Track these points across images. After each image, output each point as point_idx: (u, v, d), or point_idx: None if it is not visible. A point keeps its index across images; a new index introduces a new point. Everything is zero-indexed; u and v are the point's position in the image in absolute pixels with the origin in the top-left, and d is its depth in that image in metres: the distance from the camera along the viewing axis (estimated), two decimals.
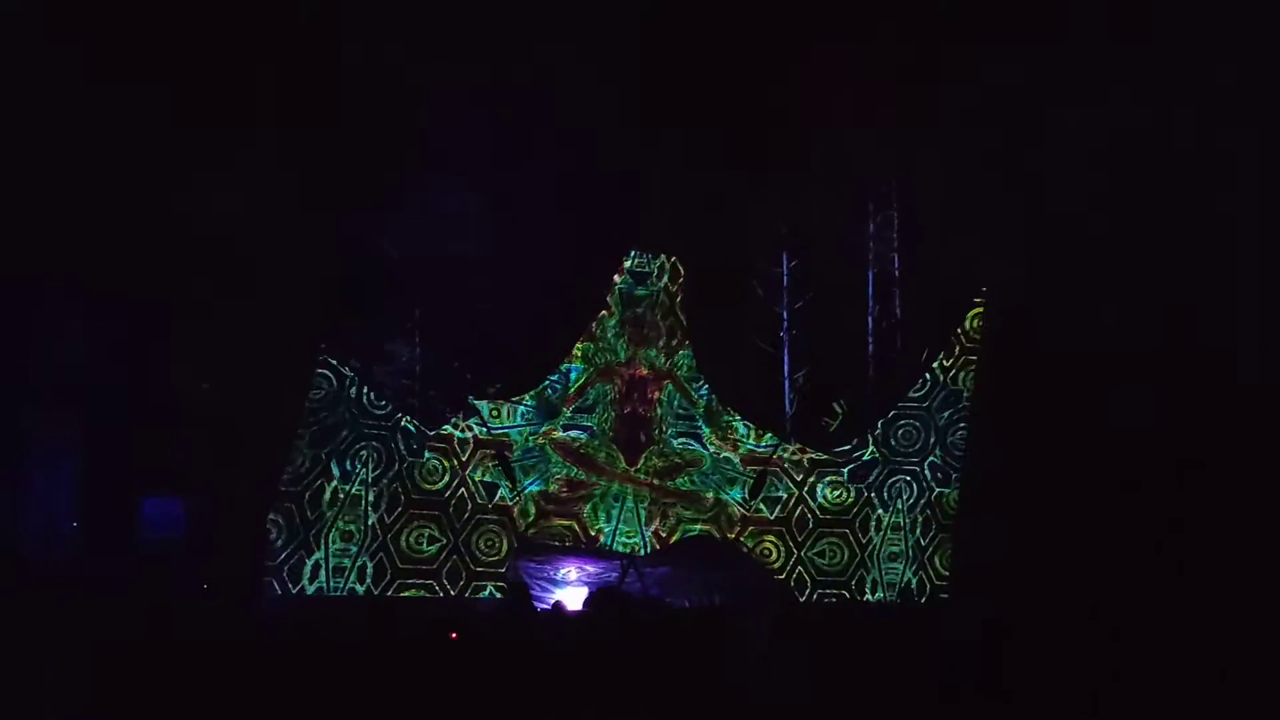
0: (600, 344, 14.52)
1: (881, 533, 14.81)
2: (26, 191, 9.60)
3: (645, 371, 14.68)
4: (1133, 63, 11.64)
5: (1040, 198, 12.92)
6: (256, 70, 10.79)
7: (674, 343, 14.61)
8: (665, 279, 14.70)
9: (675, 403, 14.74)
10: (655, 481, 14.45)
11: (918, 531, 14.82)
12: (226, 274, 11.61)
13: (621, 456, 14.51)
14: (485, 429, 13.94)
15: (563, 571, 13.54)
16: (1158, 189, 12.00)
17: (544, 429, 14.26)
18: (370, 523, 13.48)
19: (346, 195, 11.94)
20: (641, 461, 14.55)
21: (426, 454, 13.74)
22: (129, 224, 10.49)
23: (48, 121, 9.74)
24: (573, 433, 14.47)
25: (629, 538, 14.20)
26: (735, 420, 14.72)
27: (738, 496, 14.59)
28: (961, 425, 14.82)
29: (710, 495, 14.53)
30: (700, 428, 14.68)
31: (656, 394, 14.69)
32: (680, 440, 14.68)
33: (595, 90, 12.32)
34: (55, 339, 10.61)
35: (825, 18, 12.22)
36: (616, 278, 14.47)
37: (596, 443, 14.50)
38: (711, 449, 14.65)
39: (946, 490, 14.82)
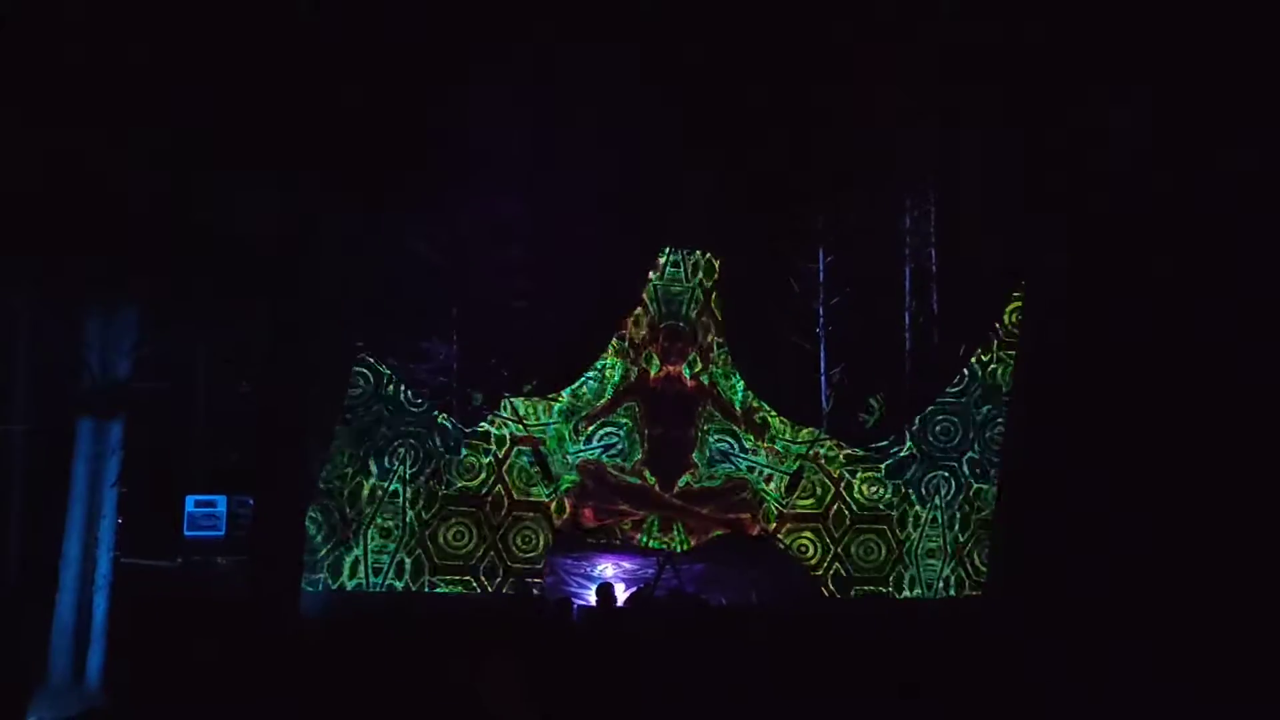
0: (631, 355, 14.55)
1: (919, 529, 14.74)
2: (64, 195, 9.75)
3: (683, 386, 14.68)
4: (1173, 52, 11.45)
5: (1079, 190, 12.75)
6: (292, 65, 10.86)
7: (708, 344, 14.62)
8: (700, 275, 14.73)
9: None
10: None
11: (956, 528, 14.73)
12: (265, 275, 11.72)
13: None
14: (522, 426, 14.04)
15: (599, 568, 13.59)
16: (1197, 181, 11.80)
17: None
18: (408, 519, 13.63)
19: (385, 195, 12.02)
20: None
21: (463, 451, 13.87)
22: (167, 226, 10.60)
23: (82, 117, 9.87)
24: (599, 452, 14.53)
25: (665, 536, 14.27)
26: (772, 416, 14.70)
27: (774, 494, 14.59)
28: (1000, 421, 14.72)
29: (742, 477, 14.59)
30: (739, 446, 14.69)
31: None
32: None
33: (633, 89, 12.33)
34: (96, 341, 10.75)
35: (864, 15, 12.14)
36: (652, 274, 14.52)
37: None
38: (749, 448, 14.65)
39: (985, 486, 14.72)
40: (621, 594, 11.82)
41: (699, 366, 14.64)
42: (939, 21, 11.76)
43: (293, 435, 12.30)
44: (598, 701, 8.12)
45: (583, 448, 14.32)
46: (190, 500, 13.18)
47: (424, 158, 12.03)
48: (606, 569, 13.49)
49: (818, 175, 13.19)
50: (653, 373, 14.57)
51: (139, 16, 10.55)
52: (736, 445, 14.67)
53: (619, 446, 14.43)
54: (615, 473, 14.46)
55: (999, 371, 14.89)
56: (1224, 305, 11.54)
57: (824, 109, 12.66)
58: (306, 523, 12.98)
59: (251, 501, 12.03)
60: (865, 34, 12.02)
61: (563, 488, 14.13)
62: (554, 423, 14.32)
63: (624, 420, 14.53)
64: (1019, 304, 14.76)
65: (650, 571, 13.32)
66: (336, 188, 11.68)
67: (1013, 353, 14.80)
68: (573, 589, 13.28)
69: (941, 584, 14.61)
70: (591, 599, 12.24)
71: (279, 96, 11.26)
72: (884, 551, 14.66)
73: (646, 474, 14.49)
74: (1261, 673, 9.23)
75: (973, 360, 14.75)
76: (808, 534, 14.63)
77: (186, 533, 12.96)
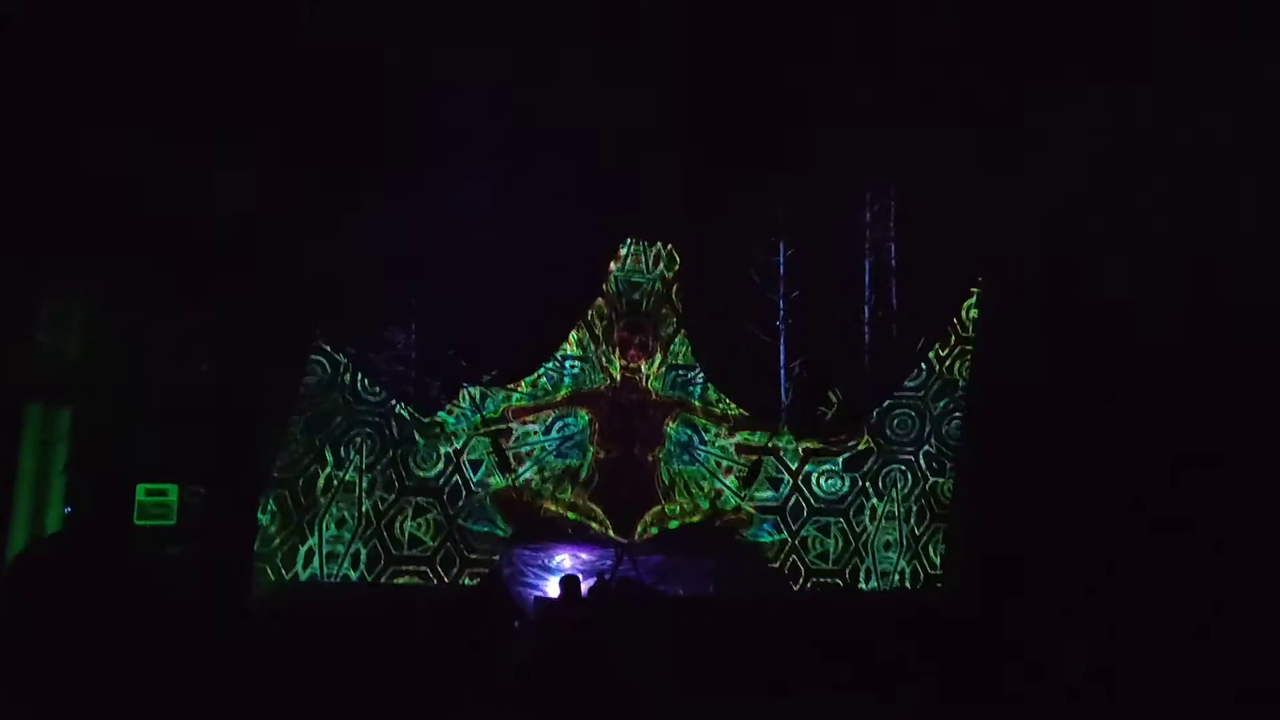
0: (591, 347, 14.42)
1: (876, 522, 14.84)
2: (16, 179, 9.54)
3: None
4: (1135, 55, 11.57)
5: (1038, 188, 12.86)
6: (245, 57, 10.69)
7: (669, 337, 14.58)
8: (661, 266, 14.70)
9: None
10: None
11: (912, 521, 14.85)
12: (219, 261, 11.54)
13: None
14: (480, 416, 13.93)
15: (557, 559, 13.53)
16: (1158, 181, 11.95)
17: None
18: (364, 509, 13.49)
19: (341, 182, 11.86)
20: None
21: (420, 441, 13.75)
22: (119, 212, 10.41)
23: (32, 108, 9.67)
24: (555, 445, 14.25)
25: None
26: (730, 409, 14.70)
27: (732, 485, 14.61)
28: (957, 415, 14.85)
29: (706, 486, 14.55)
30: (699, 439, 14.58)
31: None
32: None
33: (593, 80, 12.22)
34: (46, 327, 10.55)
35: (826, 10, 12.13)
36: (613, 265, 14.47)
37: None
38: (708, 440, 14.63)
39: (941, 480, 14.86)
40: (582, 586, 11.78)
41: (659, 363, 14.58)
42: (903, 17, 11.77)
43: (247, 424, 12.14)
44: (561, 693, 8.10)
45: (542, 439, 14.22)
46: (141, 489, 12.93)
47: (384, 145, 11.90)
48: (564, 560, 13.44)
49: (779, 168, 13.14)
50: (613, 371, 14.46)
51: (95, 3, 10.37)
52: (696, 437, 14.65)
53: (576, 439, 14.30)
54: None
55: (956, 366, 15.02)
56: (1180, 304, 11.71)
57: (787, 102, 12.62)
58: (260, 513, 12.83)
59: (203, 491, 11.83)
60: (831, 27, 11.99)
61: (520, 479, 14.04)
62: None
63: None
64: (976, 299, 14.90)
65: (608, 563, 13.30)
66: (295, 173, 11.53)
67: (970, 348, 14.93)
68: (530, 580, 13.23)
69: (898, 576, 14.74)
70: (554, 590, 12.22)
71: (237, 82, 11.10)
72: (841, 544, 14.74)
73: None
74: (1218, 666, 9.38)
75: (930, 355, 14.86)
76: (765, 526, 14.67)
77: (136, 522, 12.70)
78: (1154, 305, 11.96)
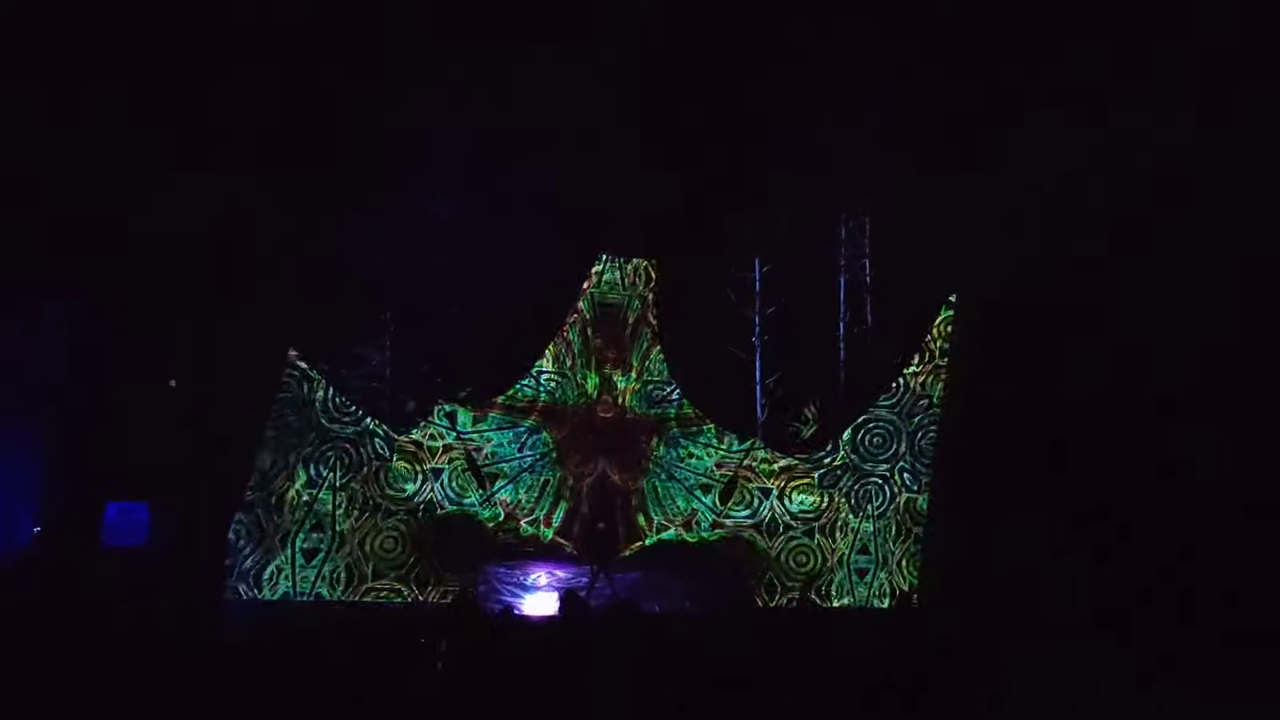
0: (568, 362, 14.38)
1: (852, 537, 14.85)
2: None
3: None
4: (1107, 68, 11.70)
5: (1012, 204, 12.96)
6: (223, 63, 10.65)
7: (645, 352, 14.58)
8: (638, 282, 14.71)
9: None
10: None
11: (888, 537, 14.87)
12: (193, 276, 11.46)
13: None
14: (455, 433, 13.87)
15: (533, 576, 13.47)
16: (1131, 196, 12.06)
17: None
18: (338, 527, 13.38)
19: (315, 198, 11.82)
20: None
21: (395, 458, 13.67)
22: (91, 224, 10.33)
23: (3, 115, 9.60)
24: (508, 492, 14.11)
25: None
26: (708, 427, 14.71)
27: (709, 501, 14.59)
28: (931, 431, 14.90)
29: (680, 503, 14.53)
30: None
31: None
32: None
33: (569, 95, 12.24)
34: (16, 341, 10.44)
35: (803, 24, 12.19)
36: (589, 281, 14.47)
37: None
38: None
39: (916, 495, 14.89)
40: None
41: (635, 381, 14.57)
42: (879, 36, 11.85)
43: (219, 441, 12.05)
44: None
45: (517, 456, 14.14)
46: (111, 507, 12.79)
47: (358, 163, 11.87)
48: (540, 577, 13.38)
49: (756, 186, 13.19)
50: (589, 388, 14.41)
51: (67, 14, 10.31)
52: (676, 455, 14.62)
53: (548, 457, 14.21)
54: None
55: (930, 382, 15.08)
56: (1150, 316, 11.81)
57: (762, 119, 12.68)
58: (232, 530, 12.72)
59: (176, 508, 11.71)
60: (807, 48, 12.06)
61: (496, 496, 13.97)
62: (488, 429, 14.18)
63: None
64: (950, 315, 14.97)
65: (584, 580, 13.25)
66: (269, 188, 11.49)
67: (943, 364, 15.00)
68: (506, 597, 13.16)
69: (873, 591, 14.73)
70: (530, 609, 12.13)
71: (210, 96, 11.05)
72: (817, 560, 14.73)
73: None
74: (1191, 677, 9.41)
75: (905, 371, 14.92)
76: (742, 542, 14.65)
77: (106, 541, 12.57)
78: (1125, 319, 12.06)
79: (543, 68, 11.85)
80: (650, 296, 14.64)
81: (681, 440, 14.61)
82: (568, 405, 14.35)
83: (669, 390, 14.62)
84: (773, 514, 14.67)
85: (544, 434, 14.21)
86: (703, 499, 14.56)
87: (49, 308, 11.28)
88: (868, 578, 14.72)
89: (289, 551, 13.16)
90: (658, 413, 14.58)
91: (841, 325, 14.08)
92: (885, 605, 14.50)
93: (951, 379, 14.77)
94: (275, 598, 13.00)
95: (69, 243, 10.79)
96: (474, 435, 13.97)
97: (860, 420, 14.83)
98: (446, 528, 13.57)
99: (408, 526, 13.55)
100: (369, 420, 13.45)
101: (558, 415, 14.31)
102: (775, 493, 14.65)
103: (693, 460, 14.61)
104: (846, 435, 14.81)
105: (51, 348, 11.24)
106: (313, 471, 13.31)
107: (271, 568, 13.07)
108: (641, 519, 14.26)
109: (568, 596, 11.30)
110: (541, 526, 13.95)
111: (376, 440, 13.56)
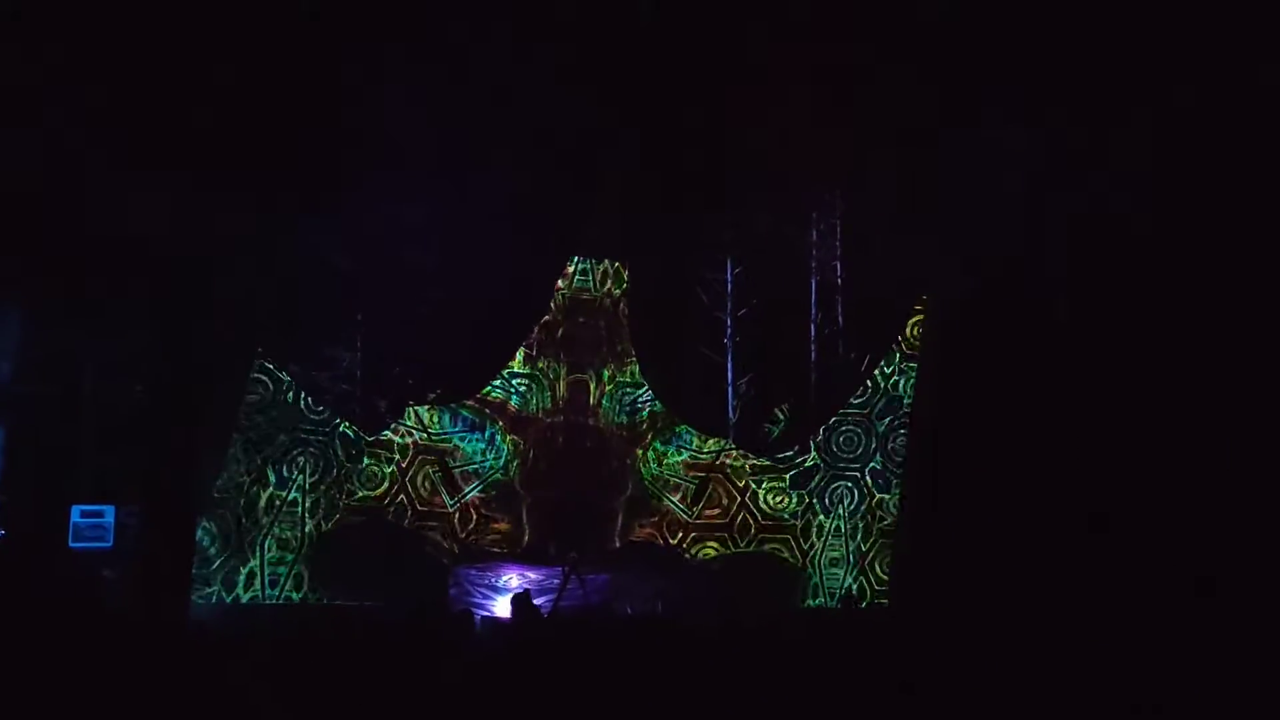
0: (539, 365, 14.33)
1: (823, 538, 14.89)
2: None
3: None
4: (1080, 76, 11.78)
5: (982, 205, 13.01)
6: (188, 60, 10.53)
7: (617, 354, 14.56)
8: (610, 283, 14.69)
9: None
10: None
11: (859, 537, 14.92)
12: (160, 276, 11.35)
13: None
14: (426, 434, 13.81)
15: (504, 579, 13.41)
16: (1102, 195, 12.15)
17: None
18: (307, 530, 13.30)
19: (285, 198, 11.72)
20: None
21: (366, 459, 13.59)
22: (55, 225, 10.20)
23: None
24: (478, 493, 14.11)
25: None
26: (681, 429, 14.72)
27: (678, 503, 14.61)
28: (902, 432, 14.96)
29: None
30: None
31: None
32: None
33: (542, 94, 12.19)
34: None
35: (774, 27, 12.19)
36: (561, 282, 14.43)
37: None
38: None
39: (887, 496, 14.95)
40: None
41: (607, 381, 14.55)
42: (852, 33, 11.86)
43: (186, 443, 11.93)
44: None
45: (488, 458, 14.09)
46: (76, 510, 12.65)
47: (329, 159, 11.77)
48: (511, 579, 13.32)
49: (727, 186, 13.18)
50: (560, 390, 14.37)
51: (30, 14, 10.18)
52: (657, 461, 14.65)
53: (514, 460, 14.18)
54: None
55: (901, 383, 15.14)
56: (1125, 318, 11.90)
57: (734, 120, 12.67)
58: (199, 533, 12.61)
59: (141, 512, 11.59)
60: (775, 48, 12.07)
61: (467, 498, 13.93)
62: (458, 431, 14.12)
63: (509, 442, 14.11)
64: (921, 317, 15.03)
65: (555, 581, 13.20)
66: (235, 189, 11.37)
67: (914, 365, 15.06)
68: (477, 600, 13.09)
69: (844, 593, 14.78)
70: (504, 610, 12.08)
71: (176, 93, 10.94)
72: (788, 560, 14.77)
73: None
74: (1169, 675, 9.47)
75: (876, 372, 14.97)
76: (712, 544, 14.67)
77: (72, 544, 12.43)
78: (1098, 320, 12.14)
79: (518, 70, 11.79)
80: (622, 298, 14.61)
81: (656, 444, 14.63)
82: (540, 410, 14.30)
83: (640, 392, 14.61)
84: (744, 515, 14.70)
85: (510, 438, 14.17)
86: (673, 500, 14.57)
87: (8, 308, 11.16)
88: (839, 578, 14.78)
89: (258, 554, 13.06)
90: (628, 419, 14.55)
91: (813, 327, 14.10)
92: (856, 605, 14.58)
93: (922, 379, 14.83)
94: (245, 600, 12.91)
95: (28, 242, 10.66)
96: (445, 437, 13.92)
97: (832, 421, 14.86)
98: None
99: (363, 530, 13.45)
100: (339, 422, 13.37)
101: (525, 421, 14.26)
102: (747, 494, 14.69)
103: (665, 462, 14.62)
104: (818, 436, 14.85)
105: (13, 349, 11.11)
106: (282, 473, 13.21)
107: (242, 571, 12.97)
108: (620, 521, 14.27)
109: (517, 600, 11.27)
110: (510, 528, 13.92)
111: (346, 442, 13.48)
